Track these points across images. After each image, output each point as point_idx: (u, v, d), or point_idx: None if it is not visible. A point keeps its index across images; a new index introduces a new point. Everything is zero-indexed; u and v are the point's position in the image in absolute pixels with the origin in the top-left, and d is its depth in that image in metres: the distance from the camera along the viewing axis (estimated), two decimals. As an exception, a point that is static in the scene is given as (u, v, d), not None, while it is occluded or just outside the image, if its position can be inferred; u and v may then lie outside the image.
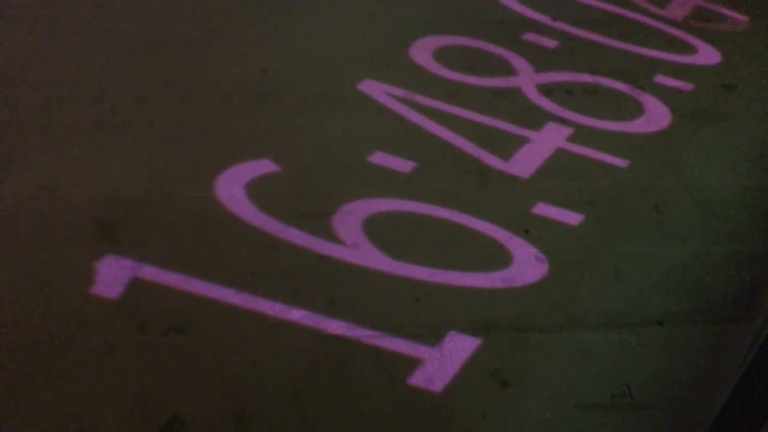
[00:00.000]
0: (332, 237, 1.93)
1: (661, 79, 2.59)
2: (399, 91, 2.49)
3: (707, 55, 2.74)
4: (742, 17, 2.95)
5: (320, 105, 2.43)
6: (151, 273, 1.83)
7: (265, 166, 2.17)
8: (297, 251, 1.90)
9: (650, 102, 2.48)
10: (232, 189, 2.07)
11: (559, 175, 2.16)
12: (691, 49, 2.75)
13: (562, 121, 2.37)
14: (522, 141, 2.28)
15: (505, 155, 2.22)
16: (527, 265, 1.87)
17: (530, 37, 2.80)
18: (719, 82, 2.59)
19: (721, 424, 1.25)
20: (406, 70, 2.60)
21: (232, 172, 2.14)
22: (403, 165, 2.18)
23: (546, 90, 2.51)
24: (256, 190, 2.08)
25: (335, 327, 1.71)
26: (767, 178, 2.19)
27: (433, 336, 1.69)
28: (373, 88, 2.51)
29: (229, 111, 2.39)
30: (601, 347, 1.68)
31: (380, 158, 2.20)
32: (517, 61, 2.65)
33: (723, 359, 1.67)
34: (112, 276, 1.81)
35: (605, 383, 1.60)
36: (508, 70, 2.60)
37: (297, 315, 1.73)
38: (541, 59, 2.66)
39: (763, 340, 1.09)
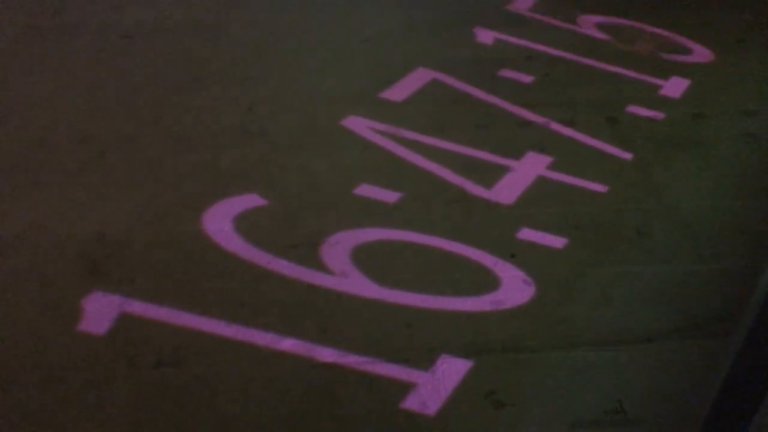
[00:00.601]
0: (321, 267, 1.94)
1: (634, 109, 2.68)
2: (382, 126, 2.55)
3: (676, 86, 2.85)
4: (707, 50, 3.09)
5: (305, 141, 2.48)
6: (139, 308, 1.82)
7: (253, 201, 2.19)
8: (286, 282, 1.90)
9: (625, 131, 2.56)
10: (220, 223, 2.09)
11: (542, 202, 2.21)
12: (660, 82, 2.87)
13: (542, 150, 2.44)
14: (504, 170, 2.34)
15: (488, 184, 2.27)
16: (515, 288, 1.89)
17: (506, 73, 2.90)
18: (689, 111, 2.70)
19: None
20: (390, 106, 2.67)
21: (219, 207, 2.16)
22: (389, 196, 2.21)
23: (524, 122, 2.59)
24: (244, 223, 2.09)
25: (327, 355, 1.70)
26: (742, 200, 2.26)
27: (425, 360, 1.69)
28: (356, 123, 2.57)
29: (216, 148, 2.43)
30: (592, 365, 1.69)
31: (366, 190, 2.24)
32: (496, 95, 2.73)
33: (710, 373, 1.69)
34: (99, 312, 1.79)
35: (598, 401, 1.61)
36: (488, 104, 2.68)
37: (288, 344, 1.72)
38: (518, 93, 2.76)
39: (738, 352, 1.12)
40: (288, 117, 2.61)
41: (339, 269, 1.93)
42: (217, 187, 2.23)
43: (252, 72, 2.88)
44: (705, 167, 2.40)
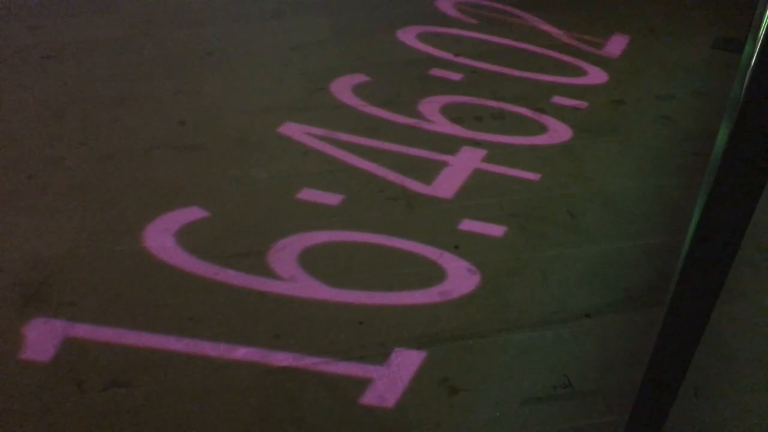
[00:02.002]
0: (269, 273, 1.95)
1: (559, 99, 2.81)
2: (319, 131, 2.58)
3: (596, 75, 3.01)
4: (623, 38, 3.27)
5: (242, 150, 2.47)
6: (84, 331, 1.77)
7: (193, 213, 2.17)
8: (235, 291, 1.90)
9: (551, 121, 2.68)
10: (161, 238, 2.06)
11: (480, 193, 2.29)
12: (581, 72, 3.01)
13: (476, 144, 2.52)
14: (441, 165, 2.41)
15: (428, 180, 2.34)
16: (461, 277, 1.95)
17: (437, 72, 2.98)
18: (609, 98, 2.85)
19: (639, 406, 1.35)
20: (324, 111, 2.69)
21: (159, 222, 2.13)
22: (331, 198, 2.24)
23: (457, 118, 2.67)
24: (187, 237, 2.07)
25: (282, 359, 1.71)
26: (663, 179, 2.40)
27: (380, 355, 1.72)
28: (293, 129, 2.58)
29: (150, 164, 2.39)
30: (537, 344, 1.77)
31: (308, 194, 2.26)
32: (427, 94, 2.81)
33: (647, 342, 1.80)
34: (42, 338, 1.74)
35: (546, 377, 1.68)
36: (420, 102, 2.75)
37: (242, 352, 1.72)
38: (448, 91, 2.84)
39: (664, 323, 1.20)
40: (222, 128, 2.59)
41: (288, 274, 1.95)
42: (155, 203, 2.20)
43: (181, 86, 2.85)
44: (627, 150, 2.54)
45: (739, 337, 1.80)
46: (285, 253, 2.01)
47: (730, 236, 1.00)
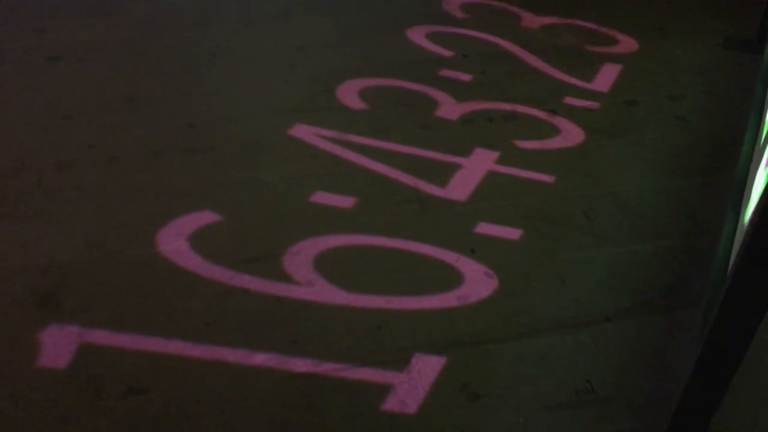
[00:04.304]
0: (285, 278, 1.93)
1: (570, 100, 2.80)
2: (330, 133, 2.56)
3: (608, 75, 2.99)
4: (632, 40, 3.26)
5: (252, 153, 2.45)
6: (100, 337, 1.75)
7: (206, 217, 2.15)
8: (251, 296, 1.88)
9: (564, 122, 2.67)
10: (175, 242, 2.04)
11: (494, 195, 2.27)
12: (592, 72, 3.00)
13: (488, 145, 2.50)
14: (455, 167, 2.39)
15: (441, 182, 2.32)
16: (478, 281, 1.94)
17: (446, 72, 2.96)
18: (621, 99, 2.83)
19: (683, 410, 1.34)
20: (334, 113, 2.67)
21: (172, 227, 2.10)
22: (344, 201, 2.22)
23: (468, 119, 2.66)
24: (200, 241, 2.05)
25: (301, 365, 1.69)
26: (677, 180, 2.39)
27: (399, 360, 1.71)
28: (304, 131, 2.56)
29: (159, 168, 2.37)
30: (558, 349, 1.75)
31: (321, 197, 2.24)
32: (438, 95, 2.79)
33: (667, 345, 1.79)
34: (58, 345, 1.72)
35: (568, 382, 1.67)
36: (431, 104, 2.73)
37: (260, 359, 1.71)
38: (459, 92, 2.82)
39: (709, 331, 1.19)
40: (231, 130, 2.57)
41: (304, 278, 1.93)
42: (166, 206, 2.18)
43: (188, 88, 2.82)
44: (640, 151, 2.52)
45: None
46: (300, 257, 1.99)
47: None
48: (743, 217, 1.44)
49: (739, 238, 1.37)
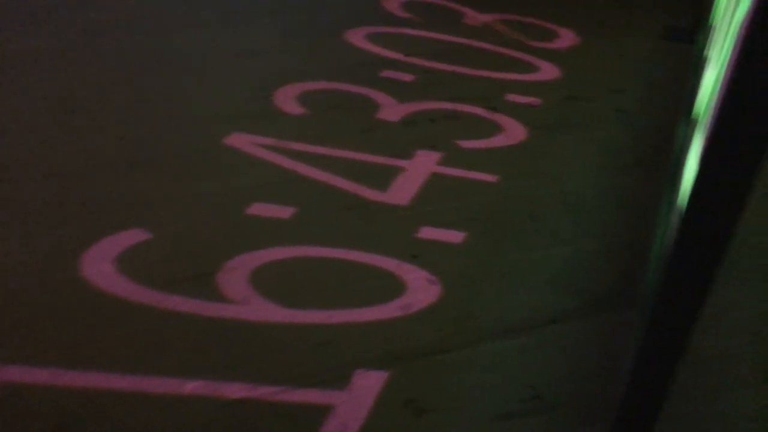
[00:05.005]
0: (220, 297, 1.83)
1: (512, 97, 2.77)
2: (268, 140, 2.46)
3: (548, 71, 2.97)
4: (573, 34, 3.25)
5: (187, 165, 2.34)
6: (18, 374, 1.62)
7: (135, 236, 2.03)
8: (183, 319, 1.77)
9: (506, 120, 2.63)
10: (100, 265, 1.91)
11: (437, 198, 2.21)
12: (534, 68, 2.98)
13: (431, 147, 2.45)
14: (396, 171, 2.33)
15: (383, 186, 2.25)
16: (421, 289, 1.88)
17: (387, 73, 2.90)
18: (563, 94, 2.81)
19: (625, 412, 1.30)
20: (273, 119, 2.58)
21: (98, 248, 1.98)
22: (282, 212, 2.13)
23: (410, 120, 2.60)
24: (128, 262, 1.94)
25: (236, 391, 1.60)
26: (621, 174, 2.38)
27: (340, 379, 1.63)
28: (241, 140, 2.46)
29: (90, 184, 2.24)
30: (504, 356, 1.70)
31: (258, 209, 2.14)
32: (379, 97, 2.72)
33: (614, 346, 1.75)
34: (-31, 385, 1.59)
35: (516, 390, 1.62)
36: (372, 106, 2.66)
37: (192, 386, 1.60)
38: (400, 93, 2.76)
39: (648, 322, 1.15)
40: (165, 142, 2.46)
41: (240, 296, 1.83)
42: (92, 226, 2.05)
43: (122, 99, 2.69)
44: (584, 146, 2.51)
45: (704, 334, 1.77)
46: (236, 274, 1.90)
47: (716, 238, 0.94)
48: (676, 208, 1.41)
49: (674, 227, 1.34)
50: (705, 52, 1.75)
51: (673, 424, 1.54)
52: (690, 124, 1.48)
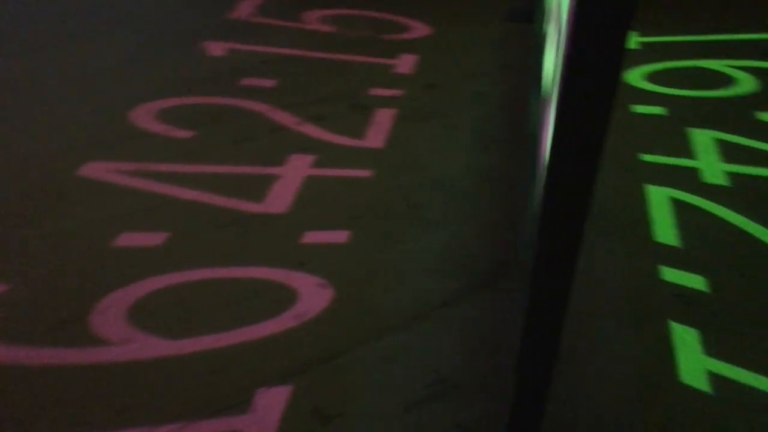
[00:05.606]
0: (96, 341, 1.70)
1: (375, 91, 2.80)
2: (128, 166, 2.31)
3: (406, 63, 3.03)
4: (424, 26, 3.34)
5: (39, 205, 2.14)
6: None
7: (-10, 290, 1.83)
8: (60, 372, 1.62)
9: (372, 114, 2.66)
10: (-49, 330, 1.70)
11: (316, 201, 2.19)
12: (392, 60, 3.03)
13: (302, 150, 2.42)
14: (271, 179, 2.27)
15: (259, 197, 2.19)
16: (312, 295, 1.85)
17: (248, 81, 2.82)
18: (423, 83, 2.89)
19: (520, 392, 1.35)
20: (131, 142, 2.43)
21: (-54, 311, 1.76)
22: (154, 239, 2.01)
23: (278, 126, 2.55)
24: (-15, 320, 1.74)
25: (130, 437, 1.49)
26: (488, 154, 2.48)
27: (242, 402, 1.56)
28: (97, 170, 2.29)
29: None
30: (403, 347, 1.72)
31: (126, 239, 2.01)
32: (243, 105, 2.64)
33: (506, 319, 1.83)
34: None
35: (419, 378, 1.64)
36: (237, 117, 2.58)
37: (79, 442, 1.47)
38: (264, 99, 2.70)
39: (530, 289, 1.20)
40: (13, 179, 2.23)
41: (119, 337, 1.70)
42: (-64, 287, 1.82)
43: (-51, 140, 2.41)
44: (449, 131, 2.58)
45: (575, 294, 1.89)
46: (111, 314, 1.76)
47: (577, 198, 0.99)
48: (537, 180, 1.49)
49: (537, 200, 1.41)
50: (543, 29, 1.86)
51: (561, 382, 1.63)
52: (540, 96, 1.57)
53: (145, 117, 2.58)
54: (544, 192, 1.03)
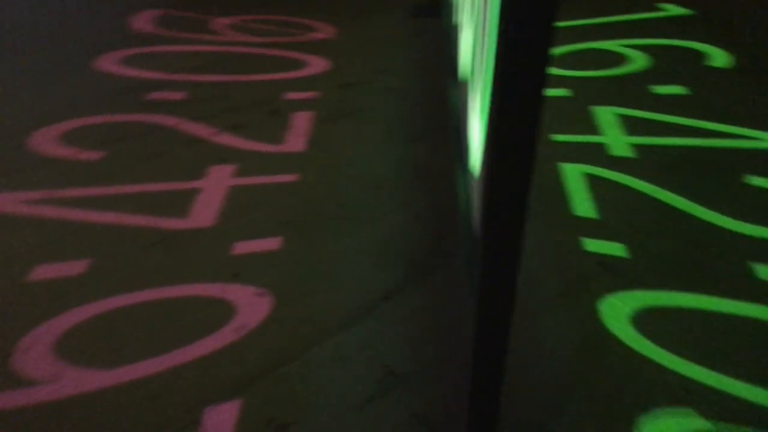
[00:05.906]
0: (22, 381, 1.58)
1: (289, 95, 2.77)
2: (35, 194, 2.17)
3: (317, 65, 3.02)
4: (329, 26, 3.34)
5: (-62, 245, 1.97)
6: None
7: None
8: (-18, 420, 1.50)
9: (290, 118, 2.63)
10: None
11: (242, 211, 2.14)
12: (302, 64, 3.01)
13: (222, 161, 2.36)
14: (193, 193, 2.20)
15: (183, 213, 2.11)
16: (251, 305, 1.80)
17: (155, 95, 2.72)
18: (336, 83, 2.89)
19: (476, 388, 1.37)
20: (35, 169, 2.28)
21: None
22: (74, 268, 1.90)
23: (195, 138, 2.47)
24: None
25: (73, 478, 1.39)
26: (410, 146, 2.51)
27: (191, 423, 1.50)
28: (2, 202, 2.14)
29: None
30: (350, 345, 1.71)
31: (43, 271, 1.88)
32: (153, 120, 2.54)
33: (447, 305, 1.86)
34: None
35: (369, 373, 1.63)
36: (149, 132, 2.48)
37: (16, 492, 1.37)
38: (174, 112, 2.61)
39: (479, 281, 1.22)
40: None
41: (48, 374, 1.60)
42: None
43: None
44: (367, 128, 2.60)
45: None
46: (36, 351, 1.65)
47: (518, 174, 1.02)
48: (470, 166, 1.52)
49: (472, 186, 1.45)
50: (453, 20, 1.91)
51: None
52: (459, 86, 1.60)
53: (47, 142, 2.43)
54: (486, 174, 1.05)
